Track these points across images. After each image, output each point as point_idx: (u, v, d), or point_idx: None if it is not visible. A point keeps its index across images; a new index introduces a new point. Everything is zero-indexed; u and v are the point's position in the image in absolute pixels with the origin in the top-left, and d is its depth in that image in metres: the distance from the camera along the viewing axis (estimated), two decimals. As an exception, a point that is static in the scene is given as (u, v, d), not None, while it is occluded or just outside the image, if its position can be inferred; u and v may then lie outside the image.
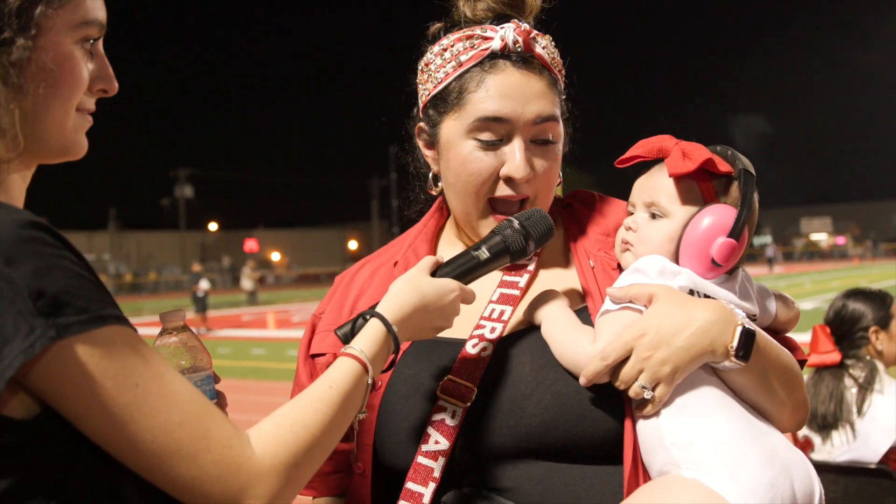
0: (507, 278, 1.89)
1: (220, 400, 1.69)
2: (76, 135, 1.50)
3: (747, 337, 1.61)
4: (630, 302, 1.69)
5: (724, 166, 1.73)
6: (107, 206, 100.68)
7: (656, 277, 1.70)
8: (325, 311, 2.05)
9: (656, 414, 1.63)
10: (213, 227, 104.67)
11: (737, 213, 1.69)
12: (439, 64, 1.87)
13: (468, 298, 1.71)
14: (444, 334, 1.81)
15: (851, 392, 4.01)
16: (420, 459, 1.71)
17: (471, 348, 1.78)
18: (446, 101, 1.85)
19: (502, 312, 1.83)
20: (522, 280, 1.88)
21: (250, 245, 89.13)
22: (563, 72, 1.91)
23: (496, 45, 1.80)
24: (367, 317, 1.61)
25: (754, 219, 1.77)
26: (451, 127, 1.85)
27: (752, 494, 1.52)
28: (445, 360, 1.79)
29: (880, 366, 4.11)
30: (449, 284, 1.67)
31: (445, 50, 1.86)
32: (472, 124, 1.80)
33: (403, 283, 1.66)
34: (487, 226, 1.85)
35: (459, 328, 1.80)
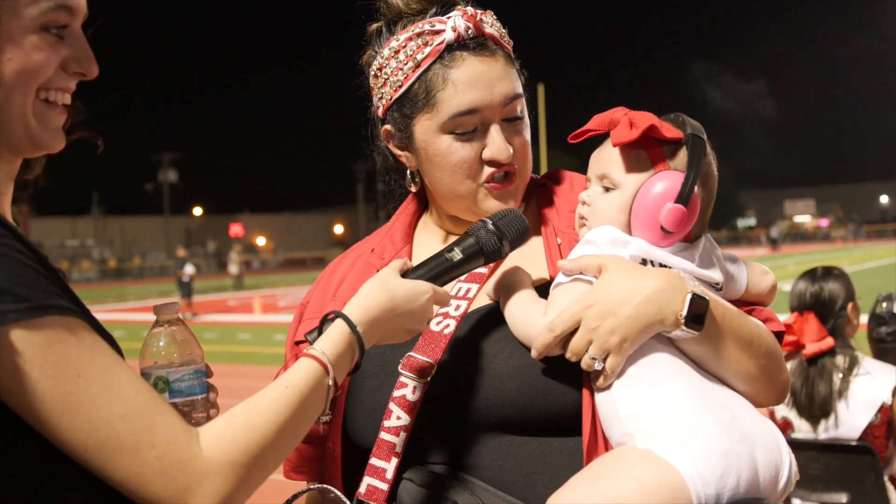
0: None
1: (210, 394, 1.67)
2: (44, 126, 1.49)
3: (698, 304, 1.59)
4: (580, 273, 1.69)
5: (671, 132, 1.70)
6: (90, 192, 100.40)
7: (607, 248, 1.69)
8: (311, 299, 2.06)
9: (610, 385, 1.63)
10: (197, 211, 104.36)
11: (684, 178, 1.67)
12: (395, 66, 1.85)
13: (442, 300, 1.70)
14: None
15: (837, 377, 4.03)
16: (383, 435, 1.74)
17: (434, 325, 1.79)
18: (414, 102, 1.85)
19: (468, 290, 1.85)
20: None
21: (235, 230, 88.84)
22: (510, 41, 1.92)
23: (449, 36, 1.80)
24: (333, 318, 1.59)
25: (711, 184, 1.77)
26: (425, 126, 1.85)
27: (703, 463, 1.51)
28: (411, 339, 1.77)
29: (857, 350, 4.13)
30: (421, 286, 1.65)
31: (398, 52, 1.84)
32: (446, 122, 1.82)
33: (373, 283, 1.64)
34: (486, 200, 1.88)
35: None
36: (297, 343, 1.98)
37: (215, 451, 1.36)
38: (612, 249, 1.69)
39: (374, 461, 1.73)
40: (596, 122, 1.78)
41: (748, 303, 1.86)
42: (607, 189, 1.75)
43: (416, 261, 1.90)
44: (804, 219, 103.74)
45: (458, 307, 1.82)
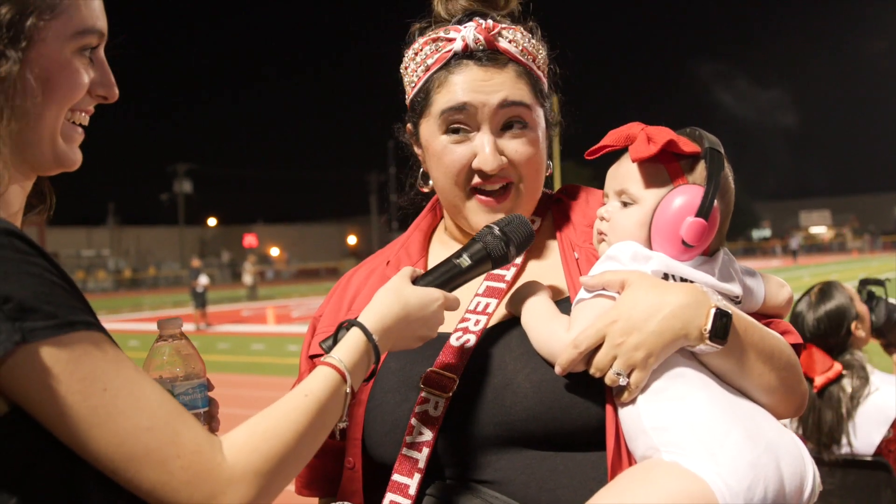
0: (495, 271, 1.90)
1: (212, 408, 1.69)
2: (68, 145, 1.54)
3: (722, 319, 1.60)
4: (603, 289, 1.68)
5: (689, 146, 1.71)
6: (106, 202, 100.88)
7: (629, 263, 1.69)
8: (324, 312, 2.07)
9: (634, 399, 1.62)
10: (212, 222, 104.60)
11: (704, 192, 1.67)
12: (413, 68, 1.93)
13: (452, 306, 1.72)
14: None
15: (845, 402, 3.98)
16: (405, 451, 1.73)
17: (454, 341, 1.80)
18: (420, 103, 1.91)
19: (487, 305, 1.85)
20: (509, 274, 1.90)
21: (249, 240, 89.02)
22: (542, 59, 1.93)
23: (458, 46, 1.85)
24: (348, 326, 1.62)
25: (729, 198, 1.77)
26: (427, 128, 1.91)
27: (732, 475, 1.51)
28: (430, 353, 1.80)
29: (867, 364, 4.08)
30: (432, 294, 1.68)
31: (416, 54, 1.91)
32: (440, 120, 1.86)
33: (386, 292, 1.67)
34: (473, 211, 1.89)
35: (446, 322, 1.81)
36: (312, 357, 1.98)
37: (239, 460, 1.39)
38: (634, 265, 1.69)
39: (396, 477, 1.73)
40: (612, 138, 1.78)
41: (765, 315, 1.86)
42: (626, 204, 1.76)
43: None
44: (820, 230, 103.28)
45: (477, 322, 1.82)
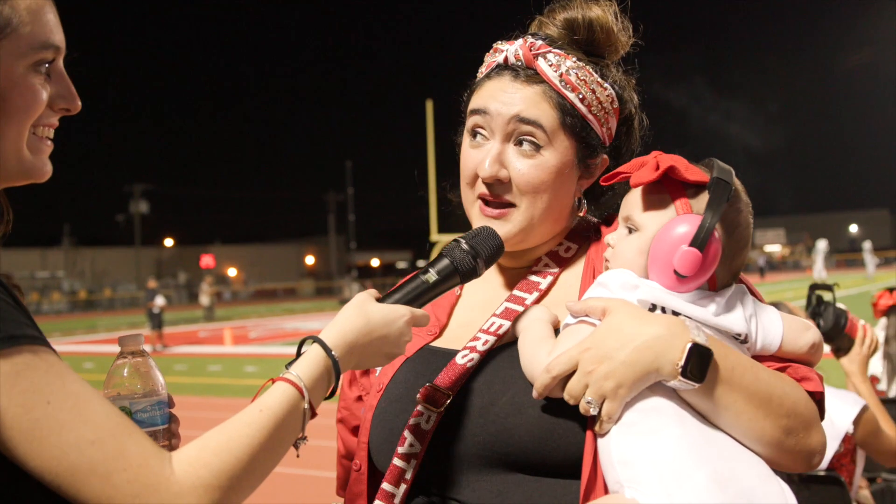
0: (517, 293, 1.91)
1: (172, 425, 1.68)
2: (36, 157, 1.56)
3: (699, 356, 1.53)
4: (586, 315, 1.67)
5: (694, 175, 1.65)
6: (61, 223, 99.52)
7: (617, 291, 1.67)
8: None
9: (608, 431, 1.59)
10: (168, 242, 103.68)
11: (700, 222, 1.61)
12: (477, 75, 2.01)
13: (420, 322, 1.72)
14: (442, 345, 1.91)
15: None
16: (396, 461, 1.78)
17: (460, 359, 1.82)
18: (464, 106, 1.99)
19: (500, 326, 1.85)
20: (531, 298, 1.89)
21: (206, 261, 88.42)
22: (594, 97, 1.89)
23: (500, 58, 1.91)
24: (310, 342, 1.61)
25: (741, 233, 1.71)
26: (464, 129, 1.97)
27: None
28: (437, 368, 1.84)
29: None
30: (398, 310, 1.68)
31: (483, 64, 2.00)
32: (468, 122, 1.93)
33: (350, 308, 1.66)
34: (476, 219, 1.92)
35: (460, 339, 1.87)
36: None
37: (188, 474, 1.38)
38: (621, 293, 1.66)
39: (385, 485, 1.78)
40: (629, 165, 1.75)
41: (784, 359, 1.74)
42: (630, 231, 1.73)
43: (466, 293, 2.00)
44: (775, 248, 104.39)
45: (486, 342, 1.83)
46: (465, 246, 1.76)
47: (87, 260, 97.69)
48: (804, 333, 1.74)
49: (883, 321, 5.98)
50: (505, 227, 1.87)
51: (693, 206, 1.66)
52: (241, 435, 1.46)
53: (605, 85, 1.91)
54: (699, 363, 1.53)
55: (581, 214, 1.98)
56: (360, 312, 1.65)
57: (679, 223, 1.64)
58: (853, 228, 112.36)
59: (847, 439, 3.99)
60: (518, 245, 1.92)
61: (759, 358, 1.70)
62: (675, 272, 1.62)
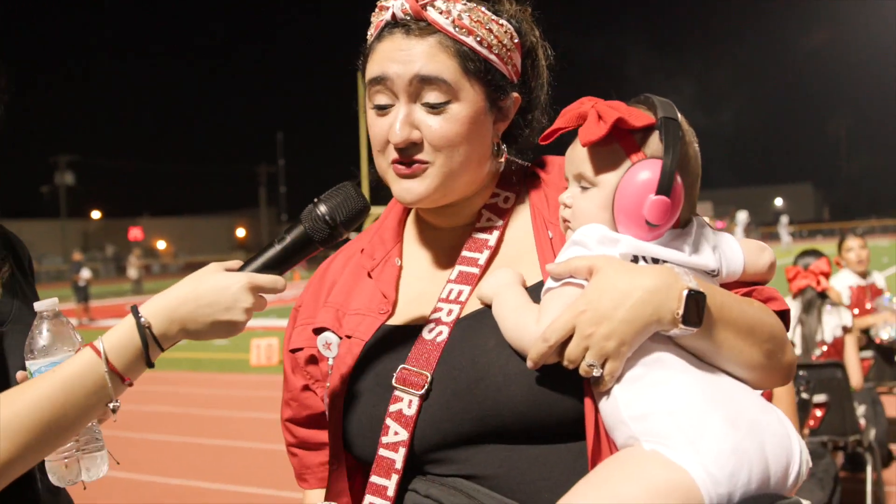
0: (467, 254, 1.84)
1: None
2: None
3: (695, 301, 1.53)
4: (571, 277, 1.61)
5: (641, 119, 1.62)
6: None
7: (597, 247, 1.62)
8: (304, 302, 2.01)
9: (611, 389, 1.56)
10: (95, 215, 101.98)
11: (661, 166, 1.59)
12: (367, 39, 1.88)
13: (265, 287, 1.67)
14: (400, 322, 1.82)
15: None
16: (381, 452, 1.70)
17: (427, 333, 1.75)
18: (364, 77, 1.86)
19: (460, 293, 1.79)
20: (482, 257, 1.83)
21: (135, 233, 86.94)
22: (494, 36, 1.79)
23: (387, 15, 1.78)
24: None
25: (693, 165, 1.69)
26: (365, 98, 1.85)
27: (714, 463, 1.47)
28: (405, 349, 1.76)
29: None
30: (233, 276, 1.65)
31: (370, 26, 1.86)
32: (368, 92, 1.81)
33: (186, 278, 1.67)
34: (392, 180, 1.81)
35: (421, 313, 1.80)
36: (293, 351, 1.95)
37: None
38: (601, 249, 1.62)
39: (374, 479, 1.71)
40: (564, 119, 1.70)
41: (746, 283, 1.78)
42: (585, 188, 1.68)
43: (407, 262, 1.90)
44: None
45: (450, 312, 1.76)
46: (321, 211, 1.70)
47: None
48: (762, 255, 1.80)
49: (798, 301, 6.20)
50: (423, 185, 1.77)
51: (645, 151, 1.63)
52: (29, 389, 1.59)
53: (502, 21, 1.81)
54: (696, 308, 1.54)
55: (502, 160, 1.88)
56: (191, 279, 1.66)
57: (639, 172, 1.61)
58: (778, 202, 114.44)
59: (765, 396, 4.12)
60: (439, 201, 1.82)
61: (725, 285, 1.71)
62: (647, 222, 1.60)
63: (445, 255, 1.89)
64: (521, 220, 1.90)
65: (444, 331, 1.74)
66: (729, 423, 1.51)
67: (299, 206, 2.04)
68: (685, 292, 1.53)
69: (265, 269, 1.68)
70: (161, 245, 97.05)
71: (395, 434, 1.69)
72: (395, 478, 1.68)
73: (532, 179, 1.94)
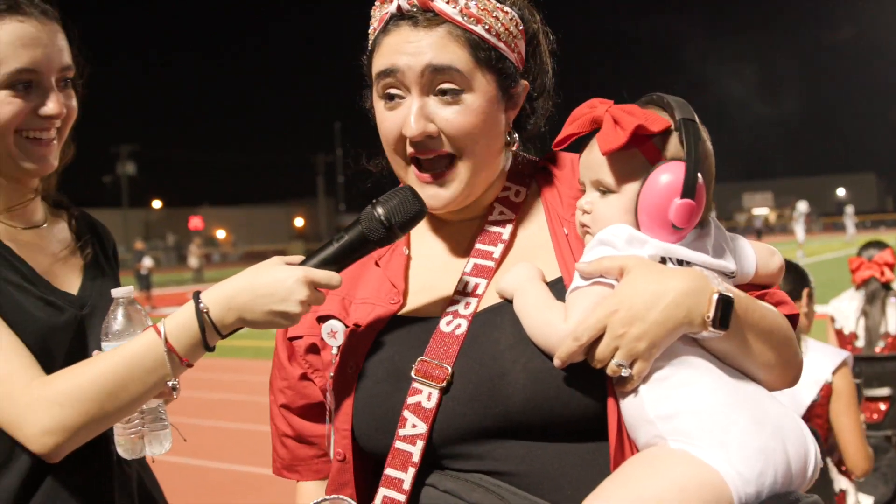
0: (481, 247, 1.83)
1: None
2: (27, 157, 2.05)
3: (724, 304, 1.55)
4: (601, 276, 1.62)
5: (659, 124, 1.63)
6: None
7: (625, 248, 1.62)
8: None
9: (636, 388, 1.58)
10: (156, 204, 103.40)
11: (685, 169, 1.60)
12: (369, 32, 1.85)
13: (321, 282, 1.69)
14: (412, 313, 1.81)
15: None
16: (398, 444, 1.68)
17: (444, 326, 1.74)
18: (366, 71, 1.85)
19: (476, 286, 1.78)
20: (497, 250, 1.83)
21: (195, 222, 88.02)
22: (501, 23, 1.79)
23: (392, 7, 1.76)
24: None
25: (709, 164, 1.69)
26: (373, 94, 1.84)
27: (742, 462, 1.48)
28: (420, 340, 1.74)
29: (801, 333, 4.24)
30: (290, 269, 1.69)
31: (371, 19, 1.84)
32: (377, 85, 1.78)
33: (250, 268, 1.76)
34: (413, 184, 1.79)
35: (434, 304, 1.79)
36: (291, 339, 1.95)
37: (36, 389, 1.81)
38: (630, 249, 1.62)
39: (389, 471, 1.69)
40: (577, 124, 1.70)
41: (757, 286, 1.80)
42: (604, 193, 1.69)
43: (416, 253, 1.91)
44: (762, 211, 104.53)
45: (467, 304, 1.75)
46: (378, 213, 1.71)
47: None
48: (772, 258, 1.83)
49: (861, 292, 6.07)
50: (448, 191, 1.78)
51: (664, 153, 1.64)
52: (94, 363, 1.82)
53: (506, 9, 1.80)
54: (725, 311, 1.55)
55: (514, 149, 1.88)
56: (252, 271, 1.75)
57: (662, 176, 1.61)
58: (840, 192, 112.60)
59: (825, 388, 4.07)
60: (464, 202, 1.83)
61: (737, 287, 1.71)
62: (673, 226, 1.62)
63: (455, 247, 1.89)
64: (533, 215, 1.90)
65: (463, 324, 1.73)
66: (755, 424, 1.53)
67: (357, 197, 2.02)
68: (715, 296, 1.55)
69: (323, 265, 1.71)
70: (221, 234, 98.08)
71: (413, 427, 1.68)
72: (411, 471, 1.67)
73: (542, 175, 1.94)
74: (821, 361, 4.10)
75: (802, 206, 41.79)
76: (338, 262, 1.72)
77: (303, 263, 1.72)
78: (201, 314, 1.73)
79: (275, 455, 2.04)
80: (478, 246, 1.84)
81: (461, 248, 1.88)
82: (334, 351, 1.84)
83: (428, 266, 1.88)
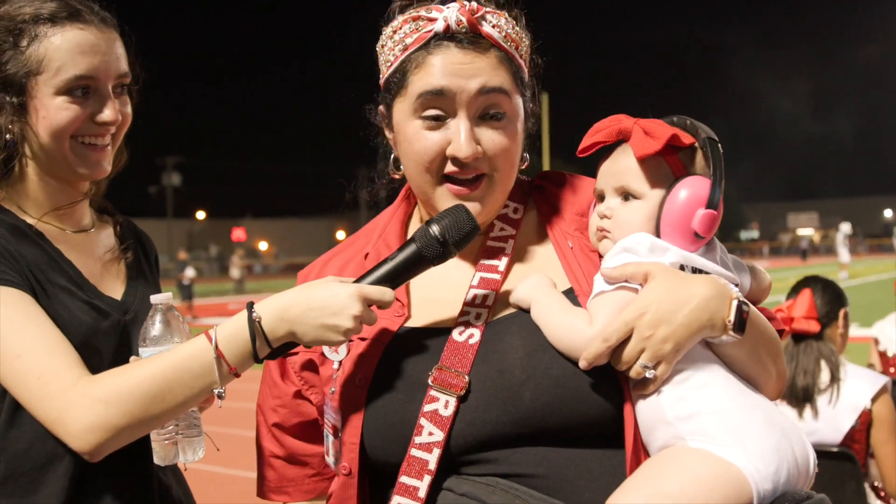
0: (486, 262, 1.86)
1: None
2: (83, 162, 2.09)
3: (742, 310, 1.62)
4: (626, 281, 1.67)
5: (687, 139, 1.72)
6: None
7: (648, 255, 1.68)
8: None
9: (656, 391, 1.63)
10: (200, 215, 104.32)
11: (711, 183, 1.68)
12: (390, 47, 1.84)
13: (374, 298, 1.70)
14: (428, 323, 1.82)
15: (824, 369, 4.07)
16: (414, 452, 1.68)
17: (458, 336, 1.75)
18: (396, 84, 1.83)
19: (485, 297, 1.81)
20: (501, 264, 1.86)
21: (238, 234, 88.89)
22: (525, 48, 1.86)
23: (439, 26, 1.76)
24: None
25: (723, 185, 1.74)
26: (400, 110, 1.83)
27: (760, 459, 1.54)
28: (433, 351, 1.76)
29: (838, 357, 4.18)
30: (343, 286, 1.70)
31: (395, 33, 1.83)
32: (415, 103, 1.78)
33: (305, 283, 1.78)
34: (443, 198, 1.82)
35: (442, 316, 1.81)
36: (285, 356, 1.94)
37: (84, 387, 1.80)
38: (652, 256, 1.69)
39: (404, 479, 1.68)
40: (604, 134, 1.76)
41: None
42: (626, 199, 1.75)
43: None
44: (807, 231, 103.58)
45: (478, 315, 1.78)
46: (434, 231, 1.73)
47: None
48: (764, 277, 1.93)
49: None
50: (485, 204, 1.82)
51: (689, 168, 1.74)
52: (142, 365, 1.81)
53: (522, 30, 1.86)
54: (742, 317, 1.63)
55: (524, 167, 1.92)
56: (307, 285, 1.75)
57: (690, 186, 1.69)
58: (888, 213, 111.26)
59: (864, 415, 4.01)
60: (489, 218, 1.89)
61: None
62: (696, 234, 1.69)
63: (458, 262, 1.88)
64: (533, 231, 1.94)
65: (476, 333, 1.76)
66: (768, 424, 1.61)
67: (383, 200, 2.05)
68: (735, 301, 1.63)
69: (378, 282, 1.72)
70: (263, 246, 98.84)
71: (430, 434, 1.68)
72: (427, 478, 1.67)
73: (538, 192, 1.98)
74: (860, 387, 4.06)
75: (845, 228, 41.65)
76: (392, 280, 1.73)
77: (356, 281, 1.73)
78: (253, 323, 1.72)
79: (260, 477, 2.04)
80: (482, 261, 1.88)
81: (463, 263, 1.90)
82: (335, 366, 1.84)
83: (430, 281, 1.87)
